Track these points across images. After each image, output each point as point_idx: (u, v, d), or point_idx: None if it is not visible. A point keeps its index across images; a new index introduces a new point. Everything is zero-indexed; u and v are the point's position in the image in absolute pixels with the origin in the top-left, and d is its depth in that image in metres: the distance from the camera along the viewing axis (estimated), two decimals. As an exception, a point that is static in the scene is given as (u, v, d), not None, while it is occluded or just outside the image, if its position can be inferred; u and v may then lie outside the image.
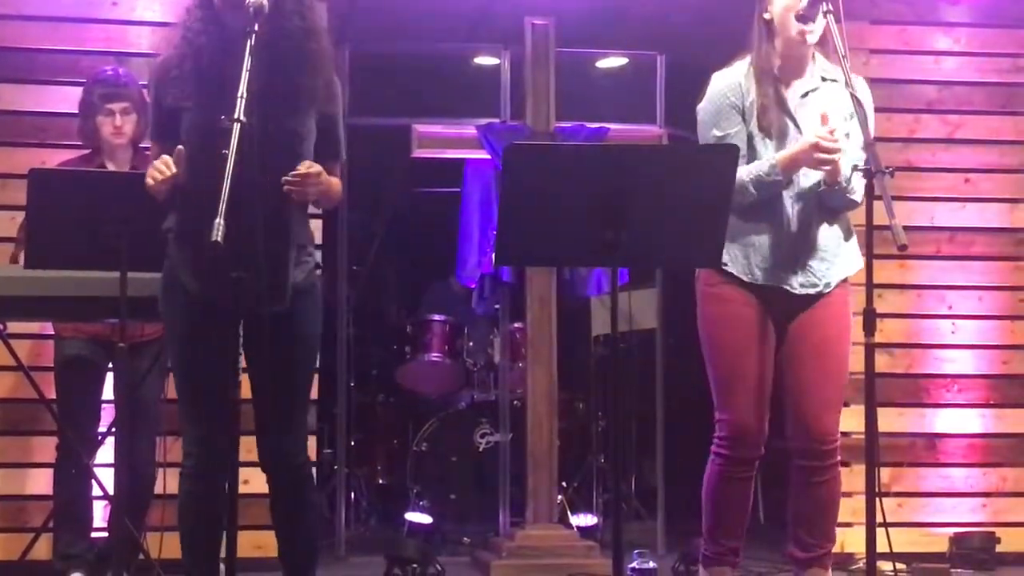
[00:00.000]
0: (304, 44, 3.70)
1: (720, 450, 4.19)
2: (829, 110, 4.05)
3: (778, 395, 4.26)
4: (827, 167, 3.98)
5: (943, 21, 6.31)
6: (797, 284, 4.15)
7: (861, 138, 3.91)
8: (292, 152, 3.66)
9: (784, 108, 4.14)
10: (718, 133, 4.13)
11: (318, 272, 3.89)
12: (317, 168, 3.64)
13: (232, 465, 3.51)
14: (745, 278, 4.15)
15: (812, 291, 4.16)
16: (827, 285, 4.16)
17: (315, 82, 3.72)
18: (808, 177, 4.10)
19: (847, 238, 4.20)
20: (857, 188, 4.03)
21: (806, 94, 4.16)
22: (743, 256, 4.15)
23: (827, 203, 4.14)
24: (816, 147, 3.95)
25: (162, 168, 3.59)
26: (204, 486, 3.75)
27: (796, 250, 4.13)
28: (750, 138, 4.13)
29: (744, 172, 4.04)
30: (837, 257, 4.17)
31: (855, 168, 3.94)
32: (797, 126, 4.11)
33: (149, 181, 3.61)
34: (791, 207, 4.12)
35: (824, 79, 4.18)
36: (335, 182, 3.82)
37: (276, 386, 3.77)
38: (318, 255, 3.94)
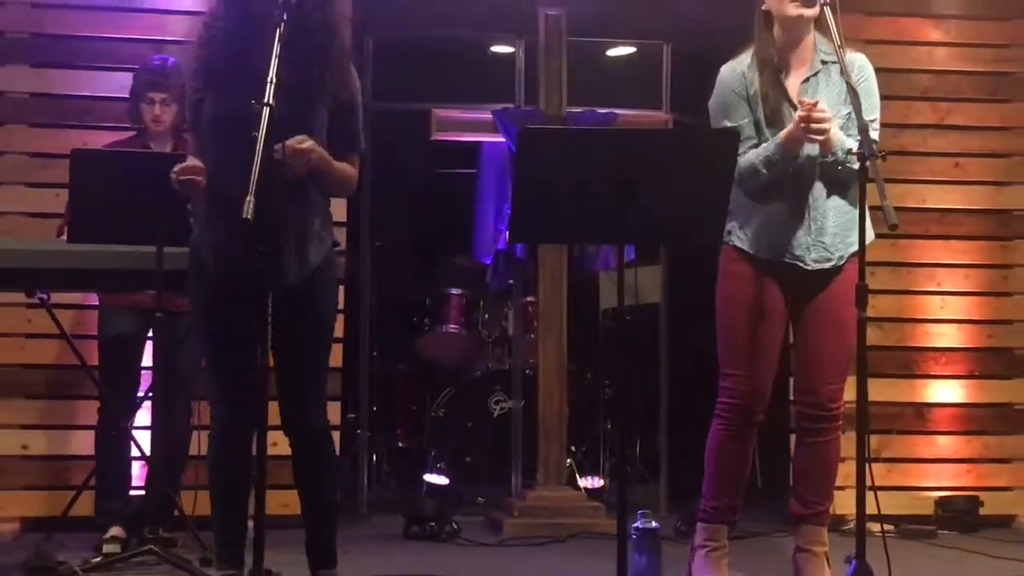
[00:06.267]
0: (322, 40, 3.72)
1: (721, 413, 4.30)
2: (827, 94, 4.13)
3: (782, 363, 4.33)
4: (819, 137, 3.99)
5: (934, 13, 6.36)
6: (811, 260, 4.20)
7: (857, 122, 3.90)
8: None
9: (784, 95, 4.19)
10: (729, 124, 4.20)
11: (336, 250, 3.91)
12: (309, 144, 3.61)
13: (260, 429, 3.55)
14: (759, 256, 4.23)
15: (826, 266, 4.20)
16: (840, 259, 4.21)
17: (330, 77, 3.73)
18: (807, 157, 4.14)
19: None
20: (853, 163, 3.98)
21: (807, 80, 4.20)
22: (755, 235, 4.22)
23: (832, 175, 4.16)
24: (802, 119, 3.98)
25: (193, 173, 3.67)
26: (230, 448, 3.85)
27: (806, 227, 4.18)
28: (758, 125, 4.20)
29: (754, 155, 4.12)
30: (849, 232, 4.16)
31: (850, 152, 3.97)
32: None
33: (178, 178, 3.65)
34: (798, 186, 4.17)
35: (825, 62, 4.21)
36: (347, 169, 3.79)
37: (295, 360, 3.83)
38: (342, 234, 3.89)
